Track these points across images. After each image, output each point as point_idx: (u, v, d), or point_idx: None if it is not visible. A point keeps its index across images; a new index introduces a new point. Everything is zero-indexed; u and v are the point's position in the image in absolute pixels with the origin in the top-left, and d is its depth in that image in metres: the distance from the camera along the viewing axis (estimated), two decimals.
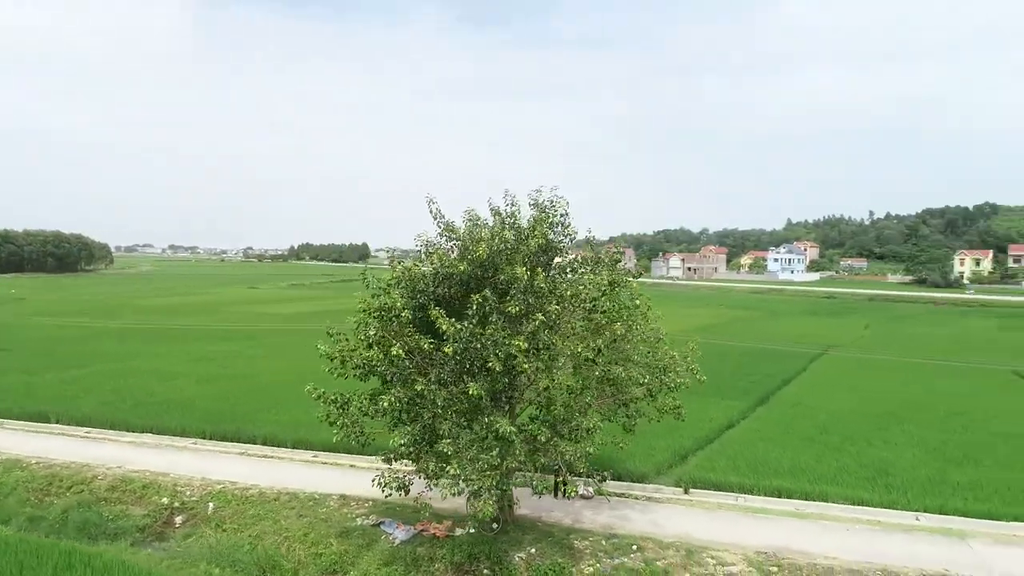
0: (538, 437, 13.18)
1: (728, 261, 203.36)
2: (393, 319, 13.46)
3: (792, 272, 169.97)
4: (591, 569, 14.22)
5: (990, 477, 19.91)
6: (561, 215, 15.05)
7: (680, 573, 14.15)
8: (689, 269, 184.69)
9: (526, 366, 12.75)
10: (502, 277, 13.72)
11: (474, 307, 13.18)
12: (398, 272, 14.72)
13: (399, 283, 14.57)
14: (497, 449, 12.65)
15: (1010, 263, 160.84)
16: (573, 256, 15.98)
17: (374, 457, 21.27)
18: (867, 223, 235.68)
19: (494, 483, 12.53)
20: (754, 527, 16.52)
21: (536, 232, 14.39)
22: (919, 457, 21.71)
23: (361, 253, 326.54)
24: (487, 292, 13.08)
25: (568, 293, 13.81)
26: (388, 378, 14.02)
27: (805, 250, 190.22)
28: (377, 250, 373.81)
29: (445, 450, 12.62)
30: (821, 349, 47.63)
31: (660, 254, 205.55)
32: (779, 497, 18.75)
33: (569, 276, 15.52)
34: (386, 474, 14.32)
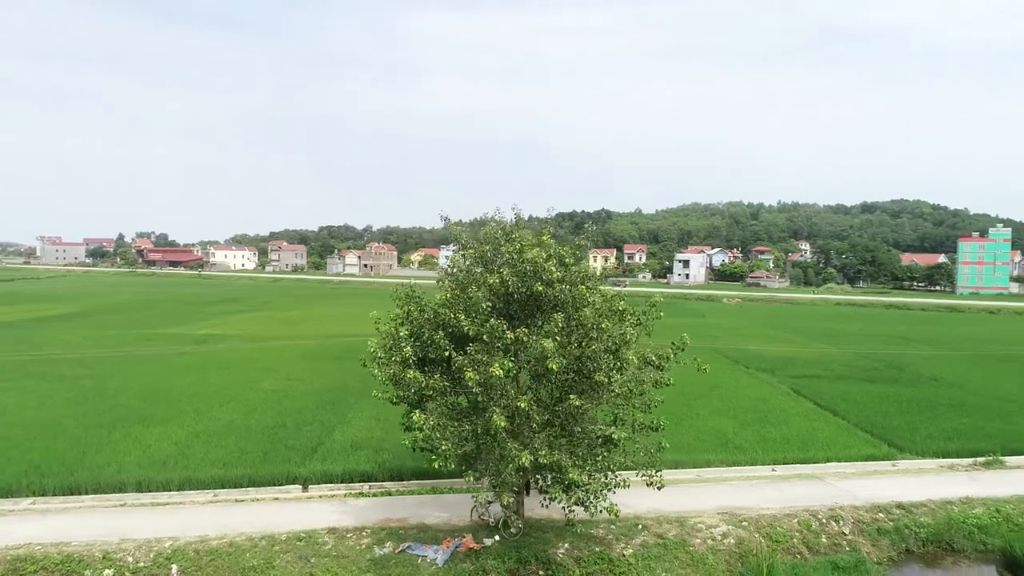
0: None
1: (399, 258, 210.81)
2: (497, 339, 13.62)
3: None
4: (630, 551, 16.09)
5: (791, 432, 26.39)
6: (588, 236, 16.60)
7: (692, 539, 16.85)
8: (365, 266, 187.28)
9: (617, 377, 14.12)
10: (554, 294, 14.78)
11: (560, 324, 14.10)
12: (448, 295, 14.80)
13: (456, 304, 14.63)
14: (603, 453, 13.86)
15: (625, 259, 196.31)
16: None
17: (293, 486, 20.12)
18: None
19: (603, 485, 13.71)
20: (691, 495, 19.91)
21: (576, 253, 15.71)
22: (734, 425, 27.51)
23: None
24: (587, 311, 14.13)
25: (621, 307, 15.46)
26: (471, 398, 14.01)
27: None
28: None
29: (558, 459, 13.35)
30: None
31: (335, 251, 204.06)
32: (676, 468, 22.54)
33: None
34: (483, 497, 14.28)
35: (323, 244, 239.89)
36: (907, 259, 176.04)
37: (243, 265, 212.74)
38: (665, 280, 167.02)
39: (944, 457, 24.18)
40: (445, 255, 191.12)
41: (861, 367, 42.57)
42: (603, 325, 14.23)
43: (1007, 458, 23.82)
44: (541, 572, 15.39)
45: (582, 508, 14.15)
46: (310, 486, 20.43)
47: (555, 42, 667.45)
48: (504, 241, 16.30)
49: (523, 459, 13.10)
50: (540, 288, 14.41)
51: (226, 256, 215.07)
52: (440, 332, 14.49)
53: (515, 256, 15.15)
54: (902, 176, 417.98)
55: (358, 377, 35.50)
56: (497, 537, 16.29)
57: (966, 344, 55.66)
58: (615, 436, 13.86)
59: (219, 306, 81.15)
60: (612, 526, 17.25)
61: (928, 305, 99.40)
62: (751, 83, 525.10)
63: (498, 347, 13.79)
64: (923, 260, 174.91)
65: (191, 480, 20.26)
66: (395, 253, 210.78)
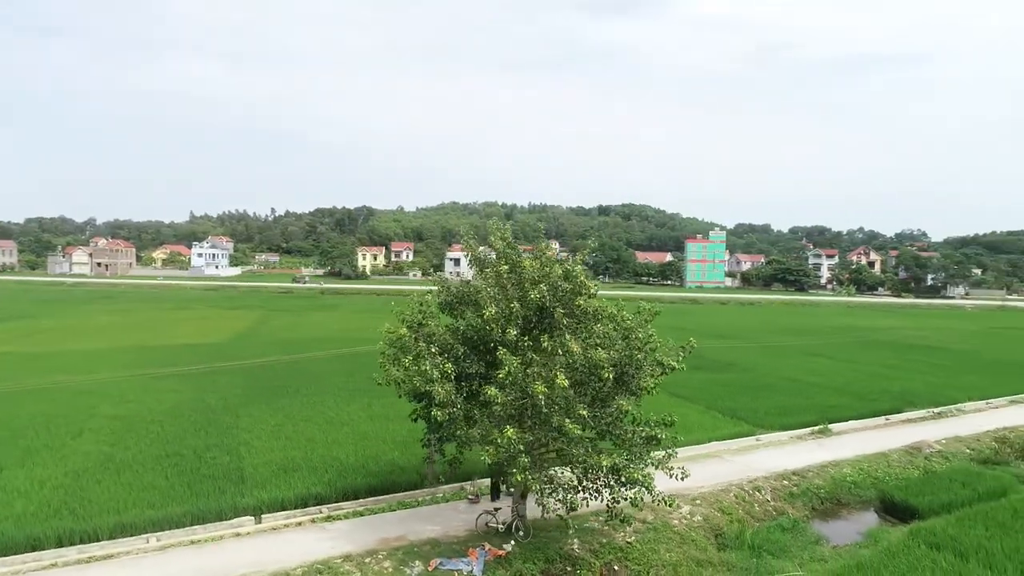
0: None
1: (138, 256, 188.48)
2: (563, 354, 14.21)
3: (217, 267, 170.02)
4: (633, 539, 17.64)
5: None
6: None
7: (670, 520, 18.89)
8: (99, 265, 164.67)
9: (650, 381, 15.58)
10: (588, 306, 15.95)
11: (600, 337, 15.18)
12: (494, 311, 15.11)
13: (498, 320, 14.99)
14: (646, 451, 15.18)
15: (392, 257, 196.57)
16: None
17: (244, 518, 18.55)
18: (271, 219, 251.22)
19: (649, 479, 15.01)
20: None
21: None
22: None
23: None
24: (629, 321, 15.29)
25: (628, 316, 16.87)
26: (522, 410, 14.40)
27: (227, 244, 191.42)
28: None
29: (616, 462, 14.45)
30: None
31: (58, 248, 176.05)
32: None
33: None
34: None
35: (35, 239, 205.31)
36: (642, 257, 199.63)
37: None
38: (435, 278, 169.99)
39: (787, 430, 29.21)
40: (198, 253, 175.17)
41: None
42: (639, 334, 15.61)
43: (831, 426, 29.55)
44: (569, 568, 16.33)
45: (627, 502, 15.39)
46: (262, 516, 18.92)
47: (300, 30, 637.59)
48: (516, 257, 16.86)
49: (603, 462, 14.04)
50: (581, 302, 15.36)
51: None
52: (502, 349, 14.64)
53: (544, 272, 15.86)
54: (630, 182, 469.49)
55: (216, 394, 32.66)
56: (513, 542, 16.84)
57: (730, 333, 65.78)
58: (659, 435, 15.36)
59: None
60: (599, 516, 18.65)
61: (675, 299, 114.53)
62: (503, 88, 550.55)
63: (561, 360, 14.47)
64: (654, 258, 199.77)
65: (123, 525, 17.65)
66: (134, 251, 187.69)
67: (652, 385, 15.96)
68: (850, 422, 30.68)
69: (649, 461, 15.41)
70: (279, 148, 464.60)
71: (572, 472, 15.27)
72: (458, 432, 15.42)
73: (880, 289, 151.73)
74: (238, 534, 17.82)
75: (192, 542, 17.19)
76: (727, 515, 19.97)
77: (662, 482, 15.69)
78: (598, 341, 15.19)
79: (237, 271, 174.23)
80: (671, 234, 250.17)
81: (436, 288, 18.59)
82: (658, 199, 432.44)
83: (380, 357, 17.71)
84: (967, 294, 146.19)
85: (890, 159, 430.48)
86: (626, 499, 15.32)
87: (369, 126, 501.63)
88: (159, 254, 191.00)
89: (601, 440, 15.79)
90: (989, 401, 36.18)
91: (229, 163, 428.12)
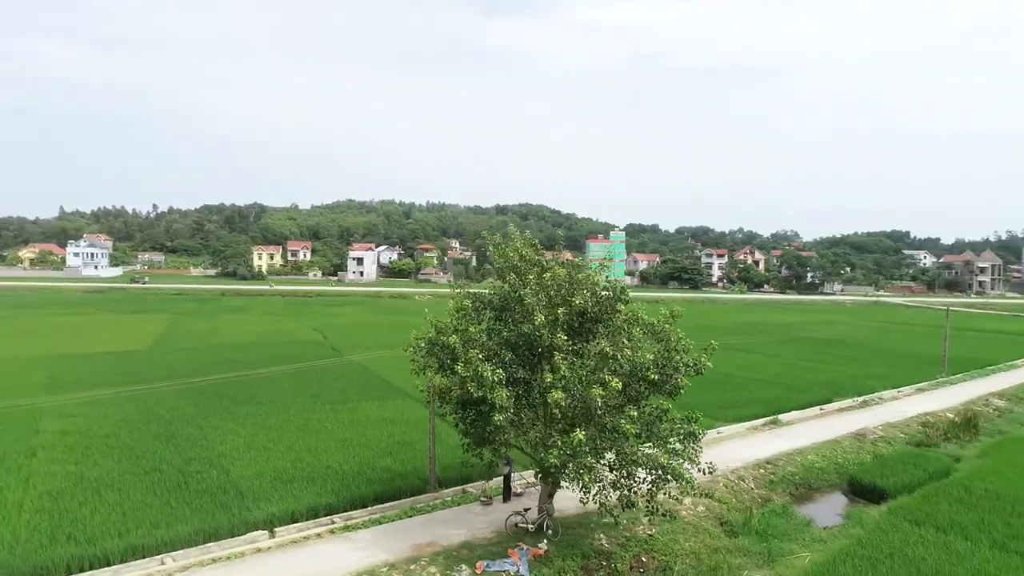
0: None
1: (2, 256, 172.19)
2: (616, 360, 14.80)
3: (96, 268, 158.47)
4: (653, 530, 18.49)
5: None
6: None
7: (679, 513, 19.84)
8: None
9: (686, 380, 16.45)
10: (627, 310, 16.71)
11: (638, 340, 15.91)
12: (543, 318, 15.49)
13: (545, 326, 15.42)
14: (684, 447, 16.04)
15: (290, 257, 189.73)
16: None
17: (257, 532, 18.07)
18: (153, 216, 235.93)
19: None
20: None
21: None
22: None
23: None
24: (667, 326, 16.04)
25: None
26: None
27: (106, 243, 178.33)
28: None
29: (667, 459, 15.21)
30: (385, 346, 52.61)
31: None
32: None
33: None
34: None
35: None
36: None
37: None
38: (337, 278, 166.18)
39: (741, 422, 31.09)
40: (74, 252, 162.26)
41: None
42: (673, 337, 16.47)
43: (780, 416, 31.75)
44: (604, 562, 16.95)
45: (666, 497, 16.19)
46: (275, 529, 18.35)
47: (183, 16, 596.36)
48: (545, 265, 17.31)
49: (662, 460, 14.76)
50: (622, 307, 16.03)
51: None
52: (558, 354, 15.02)
53: (574, 278, 16.44)
54: (527, 183, 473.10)
55: (165, 405, 31.07)
56: (545, 540, 17.26)
57: None
58: (696, 431, 16.26)
59: None
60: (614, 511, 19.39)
61: None
62: (395, 86, 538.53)
63: (612, 365, 15.03)
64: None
65: (133, 548, 16.69)
66: None
67: (687, 384, 16.85)
68: (793, 412, 33.02)
69: (686, 456, 16.30)
70: (158, 140, 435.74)
71: (611, 470, 15.89)
72: (505, 436, 15.70)
73: (766, 286, 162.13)
74: (259, 549, 17.23)
75: (213, 560, 16.49)
76: (723, 504, 21.23)
77: None
78: (639, 344, 15.92)
79: (119, 271, 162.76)
80: (568, 234, 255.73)
81: (459, 292, 18.65)
82: (554, 199, 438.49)
83: (412, 364, 17.66)
84: (843, 290, 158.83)
85: (759, 161, 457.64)
86: (666, 494, 16.14)
87: (256, 120, 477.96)
88: (27, 253, 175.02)
89: (636, 438, 16.52)
90: (900, 389, 39.93)
91: (101, 156, 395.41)
